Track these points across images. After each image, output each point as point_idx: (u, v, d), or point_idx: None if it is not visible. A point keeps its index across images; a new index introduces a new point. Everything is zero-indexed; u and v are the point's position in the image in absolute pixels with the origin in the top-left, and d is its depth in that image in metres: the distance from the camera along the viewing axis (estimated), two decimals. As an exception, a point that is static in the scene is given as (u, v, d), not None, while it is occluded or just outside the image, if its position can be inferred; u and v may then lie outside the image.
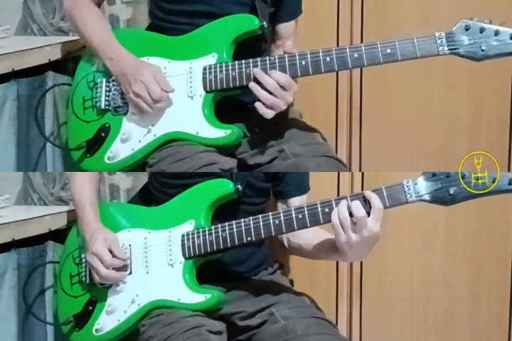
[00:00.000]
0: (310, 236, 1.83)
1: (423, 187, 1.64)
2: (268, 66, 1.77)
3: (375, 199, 1.64)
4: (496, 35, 1.66)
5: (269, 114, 1.77)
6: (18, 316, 2.14)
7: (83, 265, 1.91)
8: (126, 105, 1.88)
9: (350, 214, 1.65)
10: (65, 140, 2.09)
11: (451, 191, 1.62)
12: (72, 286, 1.92)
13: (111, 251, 1.82)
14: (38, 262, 2.16)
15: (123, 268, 1.84)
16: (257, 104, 1.77)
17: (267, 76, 1.75)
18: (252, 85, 1.76)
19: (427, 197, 1.64)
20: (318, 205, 1.69)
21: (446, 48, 1.69)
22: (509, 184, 1.60)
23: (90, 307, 1.87)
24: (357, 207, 1.64)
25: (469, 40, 1.68)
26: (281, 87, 1.74)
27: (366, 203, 1.65)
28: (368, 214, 1.65)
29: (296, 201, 1.93)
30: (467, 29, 1.68)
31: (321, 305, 1.89)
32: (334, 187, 2.27)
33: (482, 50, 1.67)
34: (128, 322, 1.82)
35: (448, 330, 2.33)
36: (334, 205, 1.68)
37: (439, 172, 1.64)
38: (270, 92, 1.75)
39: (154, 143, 1.84)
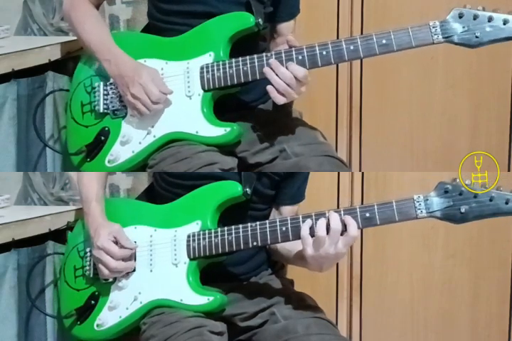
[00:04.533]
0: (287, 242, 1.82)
1: (434, 203, 1.64)
2: (265, 62, 1.77)
3: (353, 228, 1.65)
4: (489, 21, 1.66)
5: (280, 99, 1.76)
6: (18, 316, 2.14)
7: (87, 259, 1.90)
8: (125, 108, 1.87)
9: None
10: (64, 144, 2.08)
11: (463, 209, 1.61)
12: (76, 279, 1.92)
13: (117, 243, 1.82)
14: (37, 261, 2.16)
15: (130, 257, 1.83)
16: (269, 88, 1.76)
17: (283, 67, 1.75)
18: (267, 70, 1.76)
19: (437, 214, 1.64)
20: (327, 215, 1.68)
21: (440, 37, 1.69)
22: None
23: (93, 302, 1.87)
24: (334, 229, 1.65)
25: (463, 27, 1.67)
26: (298, 80, 1.75)
27: (344, 224, 1.66)
28: (341, 234, 1.66)
29: (287, 210, 1.93)
30: (461, 17, 1.68)
31: (321, 305, 1.89)
32: (334, 187, 2.27)
33: (476, 37, 1.67)
34: (129, 319, 1.82)
35: (448, 330, 2.33)
36: (343, 215, 1.67)
37: (452, 187, 1.63)
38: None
39: (154, 144, 1.84)
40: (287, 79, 1.74)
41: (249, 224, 1.74)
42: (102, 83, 1.90)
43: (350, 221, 1.66)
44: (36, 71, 2.15)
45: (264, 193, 1.88)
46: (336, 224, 1.65)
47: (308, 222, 1.68)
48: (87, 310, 1.87)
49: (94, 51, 1.88)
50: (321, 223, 1.66)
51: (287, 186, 1.91)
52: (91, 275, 1.89)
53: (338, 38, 2.28)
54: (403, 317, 2.33)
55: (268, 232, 1.73)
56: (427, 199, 1.64)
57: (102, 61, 1.87)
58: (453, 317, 2.32)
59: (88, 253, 1.91)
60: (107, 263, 1.81)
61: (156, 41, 1.89)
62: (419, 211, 1.64)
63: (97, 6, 1.98)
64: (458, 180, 1.63)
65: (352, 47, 1.73)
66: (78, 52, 2.07)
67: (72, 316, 1.90)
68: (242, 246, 1.75)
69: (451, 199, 1.63)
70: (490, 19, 1.66)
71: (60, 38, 2.18)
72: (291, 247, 1.82)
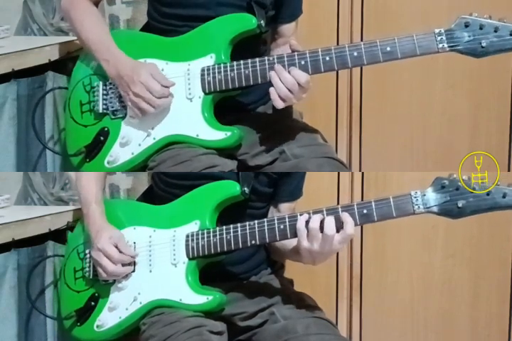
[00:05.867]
0: None
1: (431, 198, 1.63)
2: (267, 66, 1.77)
3: (349, 226, 1.65)
4: (495, 31, 1.65)
5: (279, 104, 1.76)
6: (18, 316, 2.14)
7: (87, 260, 1.91)
8: (124, 108, 1.86)
9: (321, 227, 1.66)
10: (63, 144, 2.08)
11: (460, 204, 1.61)
12: (76, 281, 1.92)
13: (117, 248, 1.82)
14: (38, 262, 2.16)
15: (129, 263, 1.83)
16: (271, 89, 1.75)
17: (286, 72, 1.75)
18: (272, 74, 1.75)
19: (434, 209, 1.63)
20: (324, 212, 1.68)
21: (446, 45, 1.68)
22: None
23: (92, 303, 1.87)
24: (329, 226, 1.65)
25: (469, 36, 1.66)
26: (300, 85, 1.74)
27: (341, 222, 1.66)
28: (338, 231, 1.66)
29: (285, 207, 1.93)
30: (467, 26, 1.66)
31: (321, 305, 1.89)
32: (334, 187, 2.27)
33: (482, 47, 1.66)
34: (129, 319, 1.82)
35: (448, 330, 2.33)
36: (340, 213, 1.68)
37: (448, 182, 1.62)
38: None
39: (154, 146, 1.83)
40: (289, 84, 1.73)
41: (247, 223, 1.74)
42: (101, 82, 1.90)
43: (347, 219, 1.66)
44: (36, 71, 2.15)
45: (262, 191, 1.88)
46: (329, 228, 1.65)
47: (305, 216, 1.68)
48: (87, 312, 1.88)
49: (93, 50, 1.87)
50: (316, 217, 1.67)
51: (285, 183, 1.91)
52: (90, 277, 1.89)
53: (338, 38, 2.28)
54: (403, 317, 2.33)
55: (266, 231, 1.73)
56: (424, 195, 1.64)
57: (100, 61, 1.86)
58: (453, 317, 2.32)
59: (88, 255, 1.91)
60: (105, 266, 1.81)
61: (156, 41, 1.88)
62: (416, 207, 1.64)
63: (96, 4, 1.97)
64: (455, 175, 1.63)
65: (356, 54, 1.72)
66: (78, 52, 2.07)
67: (72, 317, 1.90)
68: (240, 245, 1.75)
69: (448, 194, 1.62)
70: (496, 29, 1.65)
71: (60, 38, 2.18)
72: (285, 240, 1.81)
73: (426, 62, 2.27)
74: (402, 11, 2.29)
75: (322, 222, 1.66)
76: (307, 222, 1.68)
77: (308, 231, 1.67)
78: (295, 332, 1.76)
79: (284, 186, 1.91)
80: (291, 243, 1.79)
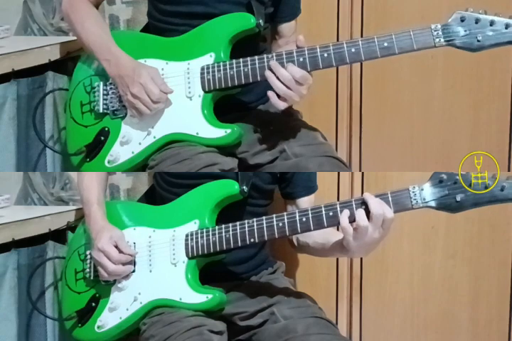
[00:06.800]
0: (318, 236, 1.82)
1: (429, 193, 1.63)
2: (266, 64, 1.77)
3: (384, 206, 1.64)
4: (491, 25, 1.66)
5: (281, 105, 1.76)
6: (18, 316, 2.14)
7: (88, 261, 1.91)
8: (125, 108, 1.87)
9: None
10: (64, 144, 2.08)
11: (458, 198, 1.61)
12: (77, 282, 1.93)
13: (117, 248, 1.82)
14: (38, 262, 2.16)
15: (129, 262, 1.84)
16: (270, 93, 1.75)
17: (283, 69, 1.74)
18: (268, 74, 1.75)
19: (433, 204, 1.63)
20: (323, 209, 1.69)
21: (442, 40, 1.69)
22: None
23: (93, 304, 1.87)
24: (360, 216, 1.64)
25: (465, 31, 1.67)
26: (296, 81, 1.74)
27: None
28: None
29: (304, 201, 1.93)
30: (462, 20, 1.67)
31: (321, 305, 1.90)
32: (334, 187, 2.27)
33: (478, 41, 1.67)
34: (129, 320, 1.82)
35: (448, 330, 2.33)
36: (339, 209, 1.67)
37: (446, 176, 1.62)
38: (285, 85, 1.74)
39: (154, 145, 1.84)
40: (286, 81, 1.74)
41: (246, 221, 1.74)
42: (101, 83, 1.90)
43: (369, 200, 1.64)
44: (36, 71, 2.15)
45: (264, 189, 1.89)
46: (376, 208, 1.63)
47: (346, 213, 1.65)
48: (88, 313, 1.88)
49: (93, 51, 1.87)
50: (361, 212, 1.64)
51: (298, 178, 1.92)
52: (91, 278, 1.89)
53: (338, 38, 2.28)
54: (403, 317, 2.32)
55: (265, 228, 1.73)
56: (422, 190, 1.64)
57: (101, 61, 1.86)
58: (453, 317, 2.32)
59: (88, 256, 1.91)
60: (105, 266, 1.82)
61: (156, 41, 1.89)
62: (414, 201, 1.64)
63: (97, 6, 1.97)
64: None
65: (353, 50, 1.72)
66: (78, 52, 2.07)
67: (73, 318, 1.91)
68: (239, 243, 1.75)
69: (446, 188, 1.62)
70: (492, 23, 1.66)
71: (60, 38, 2.18)
72: (324, 240, 1.81)
73: (426, 61, 2.28)
74: (401, 10, 2.29)
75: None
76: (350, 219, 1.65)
77: (356, 228, 1.64)
78: (295, 332, 1.76)
79: (297, 181, 1.91)
80: (329, 241, 1.78)
